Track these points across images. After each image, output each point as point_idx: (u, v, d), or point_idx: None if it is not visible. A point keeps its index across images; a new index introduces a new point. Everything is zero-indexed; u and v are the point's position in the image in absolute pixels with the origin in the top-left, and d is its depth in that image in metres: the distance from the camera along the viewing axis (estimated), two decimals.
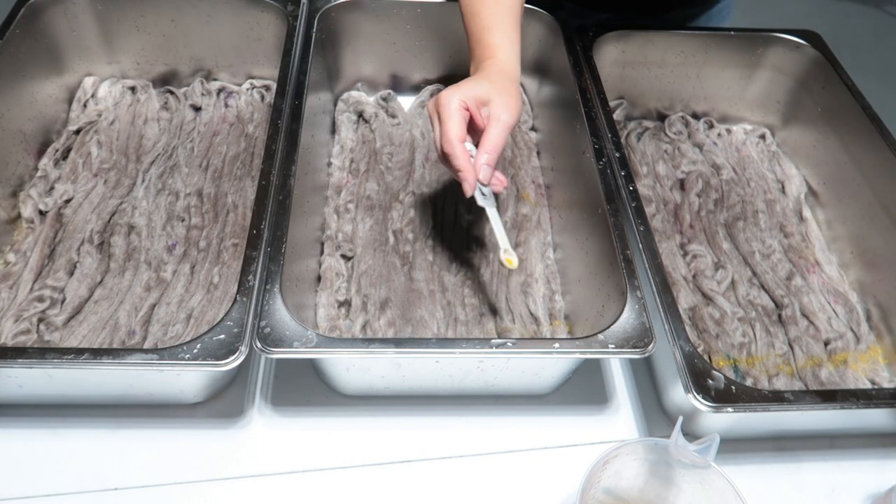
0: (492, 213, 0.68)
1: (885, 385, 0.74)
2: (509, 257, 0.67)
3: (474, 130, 0.66)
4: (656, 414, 0.71)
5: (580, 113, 0.81)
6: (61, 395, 0.65)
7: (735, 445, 0.67)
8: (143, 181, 0.86)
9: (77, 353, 0.57)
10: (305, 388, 0.70)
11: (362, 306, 0.75)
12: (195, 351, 0.57)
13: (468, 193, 0.64)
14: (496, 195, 0.69)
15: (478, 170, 0.63)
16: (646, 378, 0.74)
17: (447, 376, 0.65)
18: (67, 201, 0.83)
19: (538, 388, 0.70)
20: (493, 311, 0.76)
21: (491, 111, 0.64)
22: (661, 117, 1.03)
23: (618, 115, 1.00)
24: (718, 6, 1.04)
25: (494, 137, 0.63)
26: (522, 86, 1.03)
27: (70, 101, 0.95)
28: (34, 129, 0.86)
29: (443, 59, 1.00)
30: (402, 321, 0.74)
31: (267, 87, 0.99)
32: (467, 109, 0.63)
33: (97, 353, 0.57)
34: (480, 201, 0.67)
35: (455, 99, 0.63)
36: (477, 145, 0.66)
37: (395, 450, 0.67)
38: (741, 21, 1.01)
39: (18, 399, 0.66)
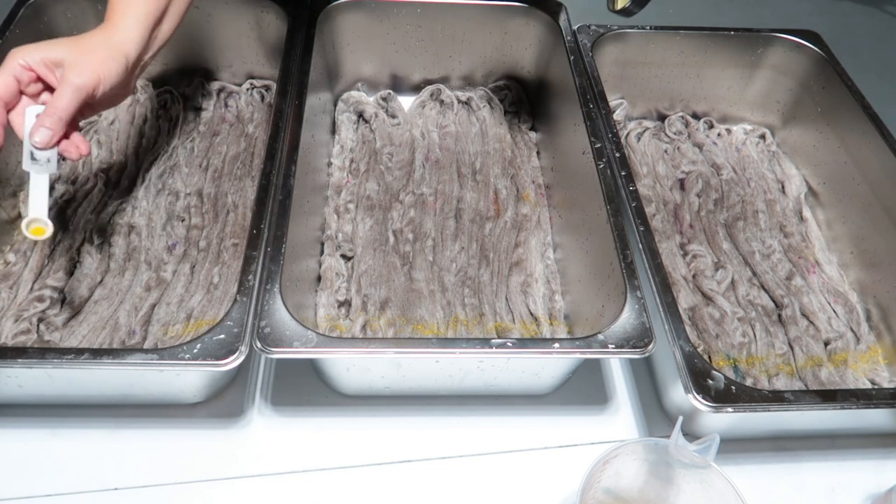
0: (36, 179, 0.62)
1: (885, 385, 0.74)
2: (38, 226, 0.61)
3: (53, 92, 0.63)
4: (656, 414, 0.71)
5: (580, 113, 0.81)
6: (61, 395, 0.65)
7: (735, 445, 0.67)
8: (143, 181, 0.86)
9: (77, 353, 0.57)
10: (305, 388, 0.70)
11: (362, 306, 0.75)
12: (195, 351, 0.57)
13: None
14: (59, 159, 0.64)
15: (34, 131, 0.60)
16: (646, 378, 0.74)
17: (447, 376, 0.65)
18: (67, 201, 0.83)
19: (538, 388, 0.70)
20: (493, 311, 0.76)
21: (64, 73, 0.60)
22: (661, 117, 1.03)
23: (618, 115, 1.00)
24: None
25: (57, 99, 0.60)
26: (523, 85, 1.03)
27: None
28: None
29: (443, 59, 1.00)
30: (402, 321, 0.74)
31: (267, 87, 0.99)
32: (31, 70, 0.61)
33: (97, 353, 0.57)
34: (26, 165, 0.61)
35: (17, 58, 0.59)
36: None
37: (395, 450, 0.67)
38: (741, 21, 1.01)
39: (18, 399, 0.66)
